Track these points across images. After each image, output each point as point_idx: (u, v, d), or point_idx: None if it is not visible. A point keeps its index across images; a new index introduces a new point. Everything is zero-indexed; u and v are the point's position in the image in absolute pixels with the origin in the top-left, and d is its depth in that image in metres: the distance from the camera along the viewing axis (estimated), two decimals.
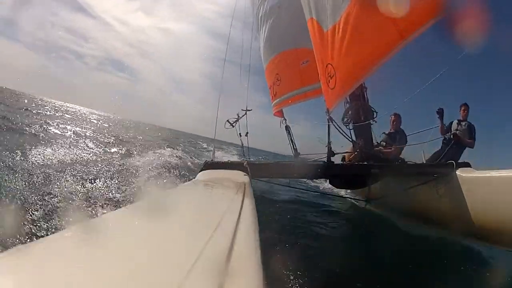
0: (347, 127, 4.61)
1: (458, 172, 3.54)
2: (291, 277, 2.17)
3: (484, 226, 3.12)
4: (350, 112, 4.65)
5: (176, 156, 7.71)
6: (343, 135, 4.31)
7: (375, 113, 4.68)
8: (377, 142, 4.86)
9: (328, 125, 4.06)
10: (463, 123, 4.73)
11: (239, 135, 5.51)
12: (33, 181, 3.33)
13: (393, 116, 5.02)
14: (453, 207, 3.48)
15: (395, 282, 2.59)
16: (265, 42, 6.90)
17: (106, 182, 3.98)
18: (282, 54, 6.54)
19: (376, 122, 4.73)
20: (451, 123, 4.84)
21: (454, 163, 3.68)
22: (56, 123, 11.51)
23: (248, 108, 5.72)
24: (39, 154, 4.63)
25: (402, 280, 2.63)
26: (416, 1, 3.00)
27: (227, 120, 5.55)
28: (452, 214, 3.47)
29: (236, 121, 5.52)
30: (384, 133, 5.06)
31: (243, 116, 5.62)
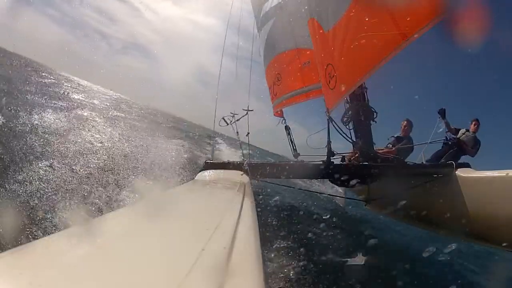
0: (347, 127, 4.61)
1: (457, 172, 3.55)
2: (290, 277, 2.17)
3: (484, 226, 3.13)
4: (350, 112, 4.65)
5: None
6: (342, 135, 4.31)
7: (375, 114, 4.68)
8: (374, 143, 4.87)
9: (328, 125, 4.06)
10: (470, 133, 4.77)
11: (236, 133, 5.47)
12: None
13: (405, 122, 5.01)
14: (453, 207, 3.48)
15: (394, 282, 2.59)
16: (266, 42, 6.89)
17: None
18: (283, 55, 6.53)
19: (376, 122, 4.73)
20: (459, 129, 4.87)
21: (454, 164, 3.69)
22: None
23: (249, 108, 5.68)
24: None
25: (402, 279, 2.63)
26: (418, 1, 2.99)
27: (223, 118, 5.48)
28: (452, 214, 3.47)
29: (235, 121, 5.47)
30: (392, 136, 5.06)
31: (243, 116, 5.58)
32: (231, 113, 5.54)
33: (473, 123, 4.86)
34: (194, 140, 11.81)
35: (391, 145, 4.93)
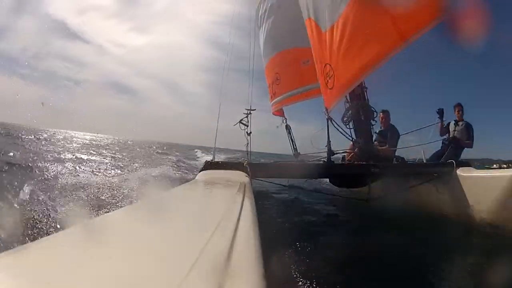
0: (347, 126, 4.61)
1: (458, 171, 3.56)
2: (289, 278, 2.17)
3: (484, 225, 3.13)
4: (350, 112, 4.66)
5: None
6: (343, 134, 4.32)
7: (375, 113, 4.69)
8: (374, 141, 4.88)
9: (328, 125, 4.07)
10: (460, 123, 4.77)
11: (246, 133, 5.47)
12: None
13: (381, 114, 4.98)
14: (453, 206, 3.49)
15: (394, 282, 2.59)
16: (265, 40, 6.88)
17: None
18: (282, 53, 6.52)
19: (376, 121, 4.74)
20: (448, 124, 4.88)
21: (454, 163, 3.70)
22: None
23: (252, 108, 5.69)
24: None
25: (401, 279, 2.63)
26: (418, 1, 2.98)
27: (240, 121, 5.49)
28: (453, 213, 3.47)
29: (248, 121, 5.48)
30: (375, 132, 5.07)
31: (247, 115, 5.59)
32: (246, 109, 5.52)
33: (456, 109, 4.85)
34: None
35: (377, 142, 4.94)
